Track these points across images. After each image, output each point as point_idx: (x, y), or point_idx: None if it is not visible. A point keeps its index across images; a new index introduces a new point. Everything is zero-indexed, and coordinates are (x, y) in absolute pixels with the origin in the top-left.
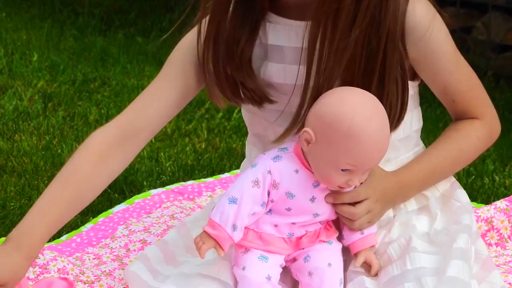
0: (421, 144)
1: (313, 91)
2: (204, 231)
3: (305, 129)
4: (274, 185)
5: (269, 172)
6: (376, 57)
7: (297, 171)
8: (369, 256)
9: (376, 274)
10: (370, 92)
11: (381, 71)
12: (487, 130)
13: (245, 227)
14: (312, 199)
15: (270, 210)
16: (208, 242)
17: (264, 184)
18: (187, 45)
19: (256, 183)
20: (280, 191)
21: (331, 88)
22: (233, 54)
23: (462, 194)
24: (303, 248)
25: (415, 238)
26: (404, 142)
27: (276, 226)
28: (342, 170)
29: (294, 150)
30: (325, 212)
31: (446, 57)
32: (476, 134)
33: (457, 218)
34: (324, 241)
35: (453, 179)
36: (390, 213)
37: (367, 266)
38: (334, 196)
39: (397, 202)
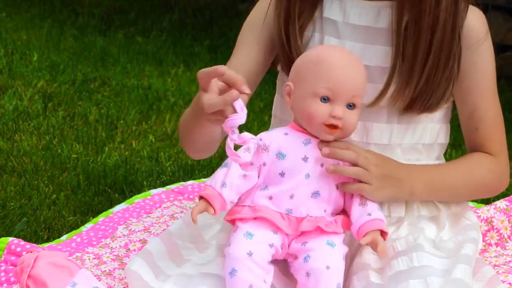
0: (443, 160)
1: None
2: (198, 196)
3: (285, 84)
4: (265, 148)
5: (260, 139)
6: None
7: (286, 134)
8: (376, 237)
9: (382, 254)
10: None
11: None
12: (499, 169)
13: (240, 205)
14: (305, 159)
15: (265, 186)
16: (199, 203)
17: (255, 149)
18: (254, 21)
19: (247, 149)
20: (271, 153)
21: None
22: (293, 26)
23: (472, 216)
24: (303, 234)
25: (422, 238)
26: (427, 149)
27: (270, 198)
28: (321, 100)
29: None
30: (320, 174)
31: (484, 78)
32: (488, 166)
33: (464, 232)
34: (327, 232)
35: (466, 203)
36: (401, 213)
37: (373, 246)
38: (327, 145)
39: (401, 185)
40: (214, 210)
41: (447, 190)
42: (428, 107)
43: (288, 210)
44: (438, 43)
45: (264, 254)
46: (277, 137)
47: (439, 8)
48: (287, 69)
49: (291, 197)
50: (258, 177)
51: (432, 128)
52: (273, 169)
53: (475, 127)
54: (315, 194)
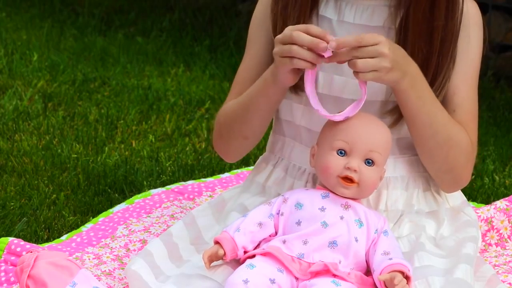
0: None
1: None
2: (214, 240)
3: (311, 146)
4: (284, 201)
5: (282, 195)
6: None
7: (307, 189)
8: (395, 275)
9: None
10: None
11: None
12: (472, 153)
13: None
14: (322, 209)
15: (282, 234)
16: (212, 246)
17: (275, 203)
18: (258, 20)
19: (268, 203)
20: (289, 204)
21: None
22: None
23: (471, 211)
24: (312, 276)
25: (424, 236)
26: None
27: (284, 242)
28: (338, 153)
29: None
30: (336, 223)
31: (469, 65)
32: (466, 139)
33: (464, 228)
34: (336, 276)
35: (464, 198)
36: (399, 205)
37: (390, 284)
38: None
39: (405, 75)
40: (225, 252)
41: (427, 111)
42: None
43: (300, 254)
44: (448, 36)
45: (261, 285)
46: (297, 191)
47: (454, 7)
48: None
49: (305, 242)
50: (276, 227)
51: None
52: (290, 219)
53: (453, 109)
54: (333, 243)
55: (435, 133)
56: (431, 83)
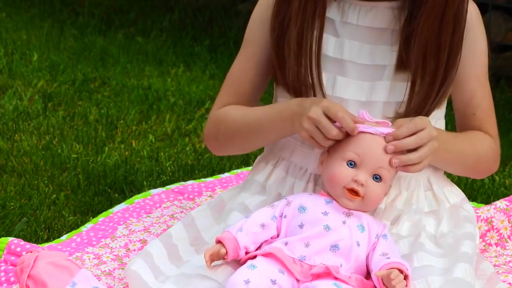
0: None
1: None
2: (215, 240)
3: (322, 152)
4: (287, 204)
5: (285, 198)
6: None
7: (310, 194)
8: (393, 272)
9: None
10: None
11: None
12: (495, 149)
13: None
14: (325, 213)
15: (284, 237)
16: (214, 245)
17: (278, 205)
18: (258, 22)
19: (271, 206)
20: (292, 207)
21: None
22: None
23: (469, 207)
24: (313, 278)
25: (424, 235)
26: None
27: (286, 244)
28: (347, 164)
29: None
30: (338, 227)
31: (480, 66)
32: (488, 143)
33: (462, 224)
34: (337, 278)
35: (463, 195)
36: (398, 205)
37: (387, 280)
38: (395, 136)
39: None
40: (226, 252)
41: (455, 154)
42: (440, 103)
43: (301, 256)
44: (456, 40)
45: (262, 286)
46: (301, 195)
47: (460, 9)
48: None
49: (307, 245)
50: (278, 229)
51: (440, 124)
52: (293, 222)
53: (473, 113)
54: (334, 247)
55: (464, 165)
56: (442, 81)
